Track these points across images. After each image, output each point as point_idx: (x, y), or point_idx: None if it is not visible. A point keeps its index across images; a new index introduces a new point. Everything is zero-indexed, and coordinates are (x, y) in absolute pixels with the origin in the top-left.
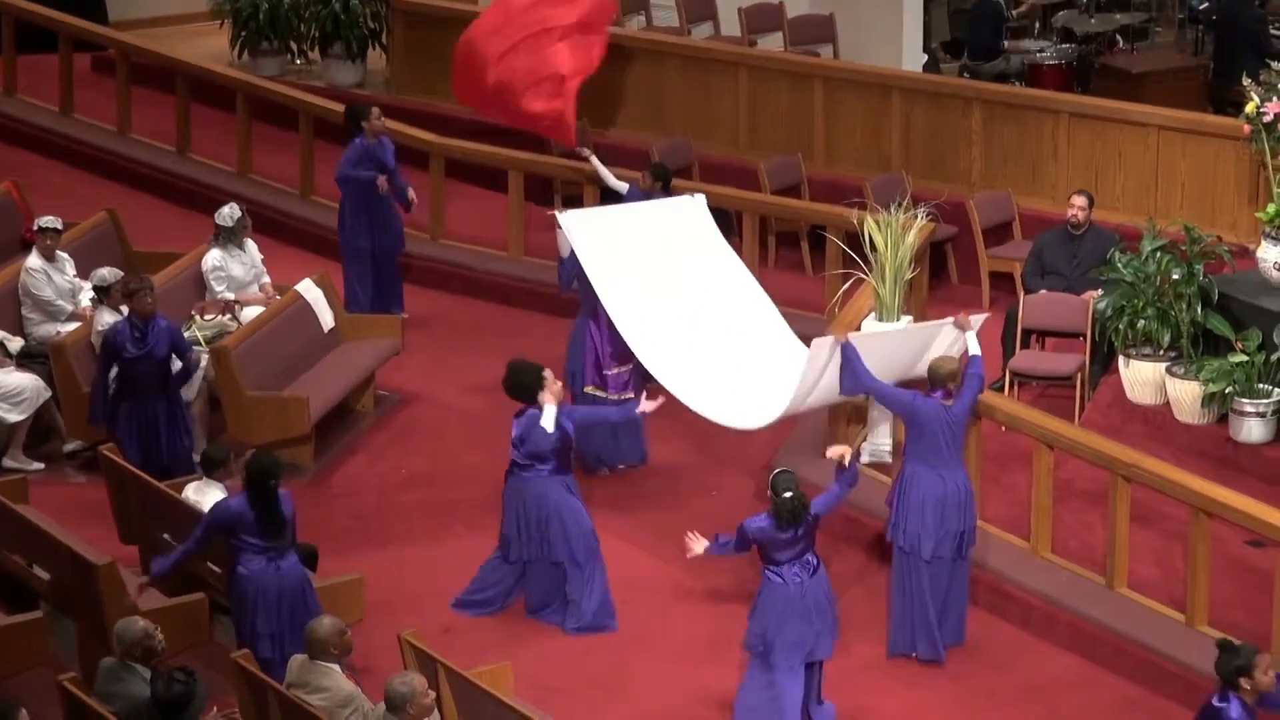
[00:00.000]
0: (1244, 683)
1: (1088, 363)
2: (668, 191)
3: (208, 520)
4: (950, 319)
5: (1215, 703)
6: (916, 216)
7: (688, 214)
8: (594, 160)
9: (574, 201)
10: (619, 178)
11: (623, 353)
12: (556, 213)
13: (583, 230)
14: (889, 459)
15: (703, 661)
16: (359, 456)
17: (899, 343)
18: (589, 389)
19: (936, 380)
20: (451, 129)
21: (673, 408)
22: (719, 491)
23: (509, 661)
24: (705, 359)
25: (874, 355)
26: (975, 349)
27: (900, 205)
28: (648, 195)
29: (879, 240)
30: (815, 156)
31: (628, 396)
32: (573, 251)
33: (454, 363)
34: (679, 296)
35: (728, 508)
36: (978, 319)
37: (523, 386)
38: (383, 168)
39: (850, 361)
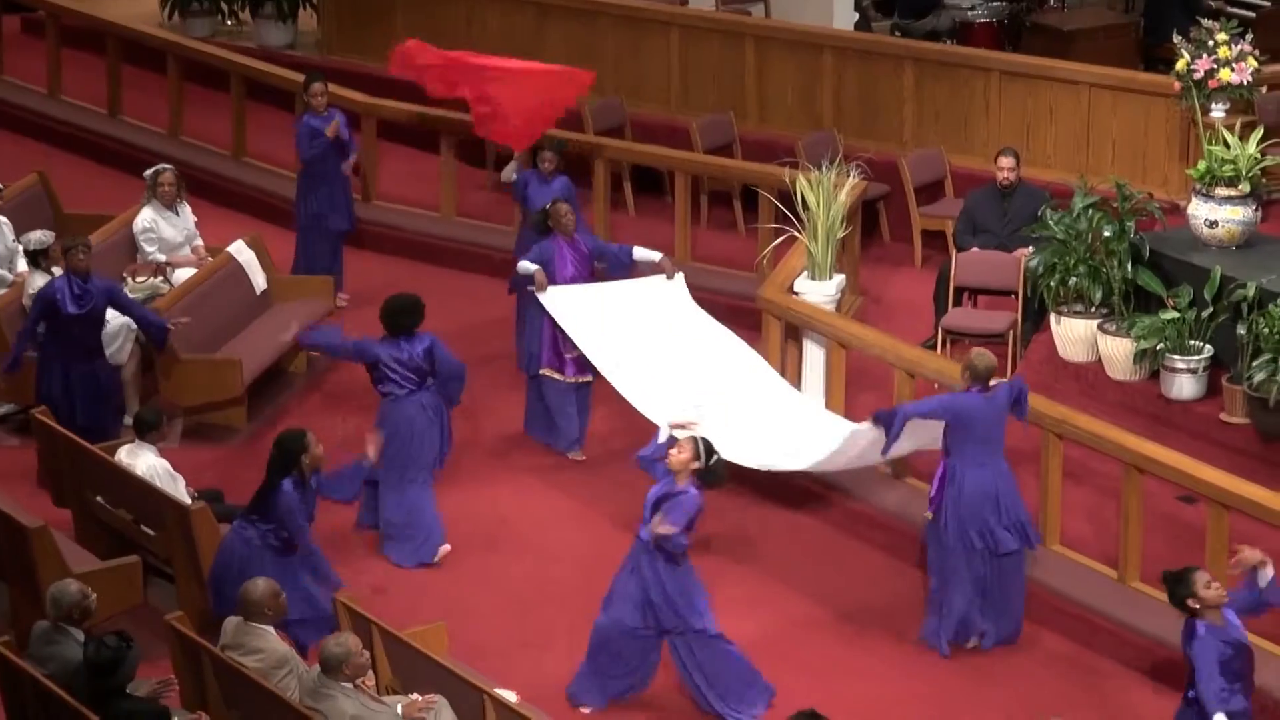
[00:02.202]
0: (1193, 604)
1: (1019, 320)
2: (571, 169)
3: (289, 506)
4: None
5: (1186, 631)
6: (848, 175)
7: (669, 291)
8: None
9: (505, 161)
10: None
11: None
12: (539, 293)
13: (566, 310)
14: None
15: None
16: (292, 418)
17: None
18: (545, 371)
19: (977, 376)
20: (383, 90)
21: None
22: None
23: (443, 621)
24: (718, 410)
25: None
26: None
27: (832, 164)
28: (544, 178)
29: (811, 199)
30: (747, 115)
31: (585, 379)
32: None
33: (363, 319)
34: (677, 360)
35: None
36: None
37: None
38: (336, 141)
39: (890, 427)
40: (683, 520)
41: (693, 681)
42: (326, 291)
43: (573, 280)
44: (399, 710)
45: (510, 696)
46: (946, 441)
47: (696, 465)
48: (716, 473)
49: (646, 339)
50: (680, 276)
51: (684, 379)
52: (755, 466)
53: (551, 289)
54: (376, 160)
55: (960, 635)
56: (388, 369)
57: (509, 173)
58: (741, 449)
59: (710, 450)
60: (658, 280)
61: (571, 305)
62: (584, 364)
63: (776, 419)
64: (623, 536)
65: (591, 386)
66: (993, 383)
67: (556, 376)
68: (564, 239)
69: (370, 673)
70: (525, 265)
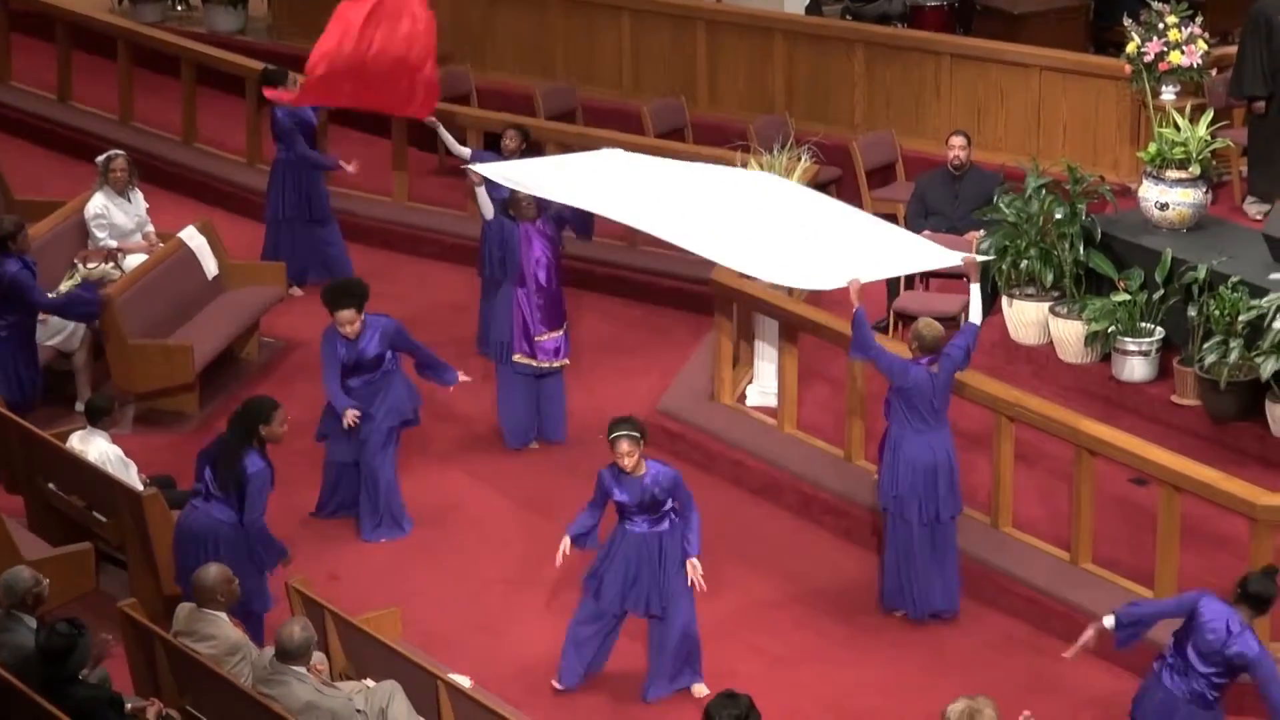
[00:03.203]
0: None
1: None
2: (533, 151)
3: (260, 486)
4: (961, 256)
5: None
6: (800, 158)
7: (618, 156)
8: (440, 129)
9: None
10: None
11: (552, 318)
12: (471, 168)
13: (508, 171)
14: (774, 401)
15: None
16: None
17: (891, 239)
18: (518, 357)
19: (926, 346)
20: None
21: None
22: (604, 437)
23: (397, 607)
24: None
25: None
26: (976, 317)
27: (784, 147)
28: (504, 158)
29: None
30: (698, 99)
31: (559, 364)
32: (496, 214)
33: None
34: (656, 187)
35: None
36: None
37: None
38: (310, 130)
39: (859, 327)
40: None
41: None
42: (278, 277)
43: (540, 259)
44: (352, 696)
45: (464, 681)
46: (888, 409)
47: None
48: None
49: (615, 180)
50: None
51: (679, 196)
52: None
53: (487, 164)
54: (328, 145)
55: (889, 603)
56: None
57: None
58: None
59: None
60: (601, 153)
61: (510, 170)
62: (556, 350)
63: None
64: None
65: (563, 373)
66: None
67: (530, 362)
68: (532, 225)
69: (324, 658)
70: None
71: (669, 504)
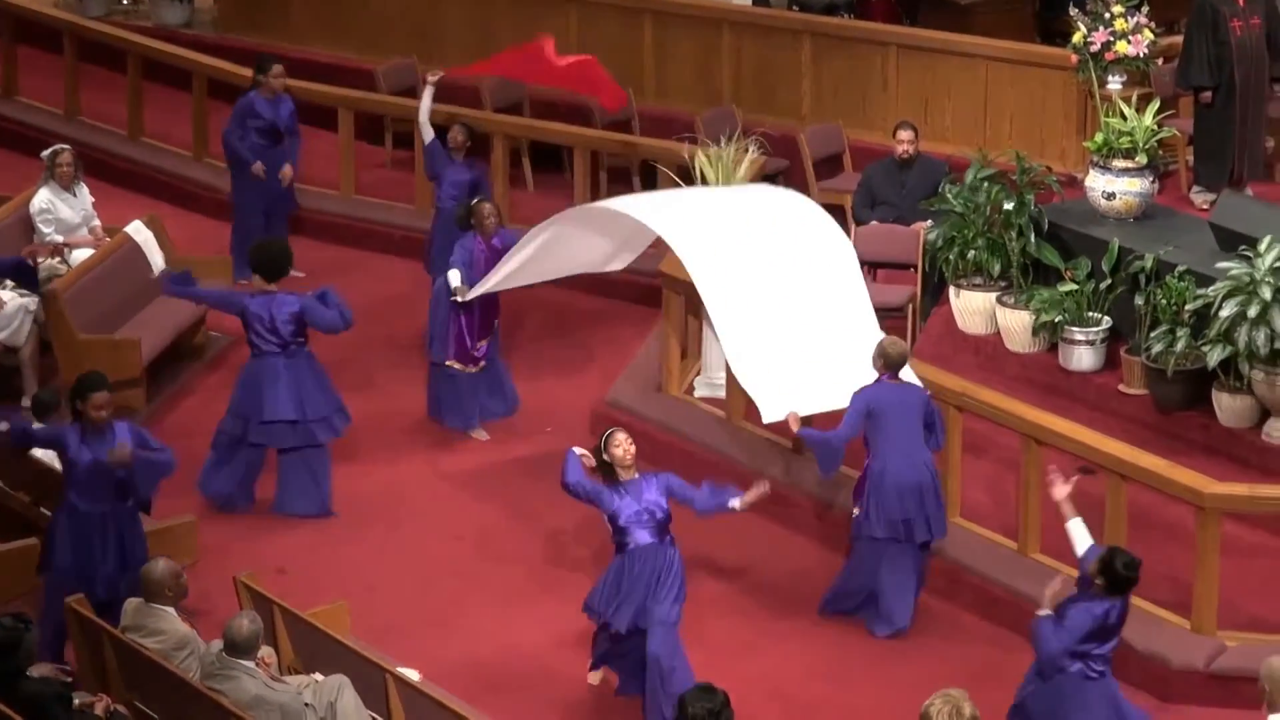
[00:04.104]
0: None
1: (919, 293)
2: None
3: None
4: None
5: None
6: (747, 150)
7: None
8: (428, 95)
9: (404, 139)
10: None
11: (485, 327)
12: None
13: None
14: (722, 393)
15: (537, 599)
16: (191, 398)
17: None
18: (451, 363)
19: (889, 363)
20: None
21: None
22: (553, 429)
23: (345, 601)
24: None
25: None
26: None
27: (731, 139)
28: (450, 153)
29: (710, 174)
30: (646, 91)
31: (478, 368)
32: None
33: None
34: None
35: (562, 445)
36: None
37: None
38: (272, 127)
39: (816, 446)
40: None
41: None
42: (224, 271)
43: (483, 276)
44: (300, 691)
45: (413, 675)
46: (867, 436)
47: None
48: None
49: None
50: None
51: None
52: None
53: (472, 291)
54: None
55: (839, 606)
56: (251, 324)
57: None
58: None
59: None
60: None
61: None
62: (484, 354)
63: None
64: (523, 514)
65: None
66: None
67: (460, 367)
68: (483, 239)
69: (272, 652)
70: (454, 275)
71: (667, 511)
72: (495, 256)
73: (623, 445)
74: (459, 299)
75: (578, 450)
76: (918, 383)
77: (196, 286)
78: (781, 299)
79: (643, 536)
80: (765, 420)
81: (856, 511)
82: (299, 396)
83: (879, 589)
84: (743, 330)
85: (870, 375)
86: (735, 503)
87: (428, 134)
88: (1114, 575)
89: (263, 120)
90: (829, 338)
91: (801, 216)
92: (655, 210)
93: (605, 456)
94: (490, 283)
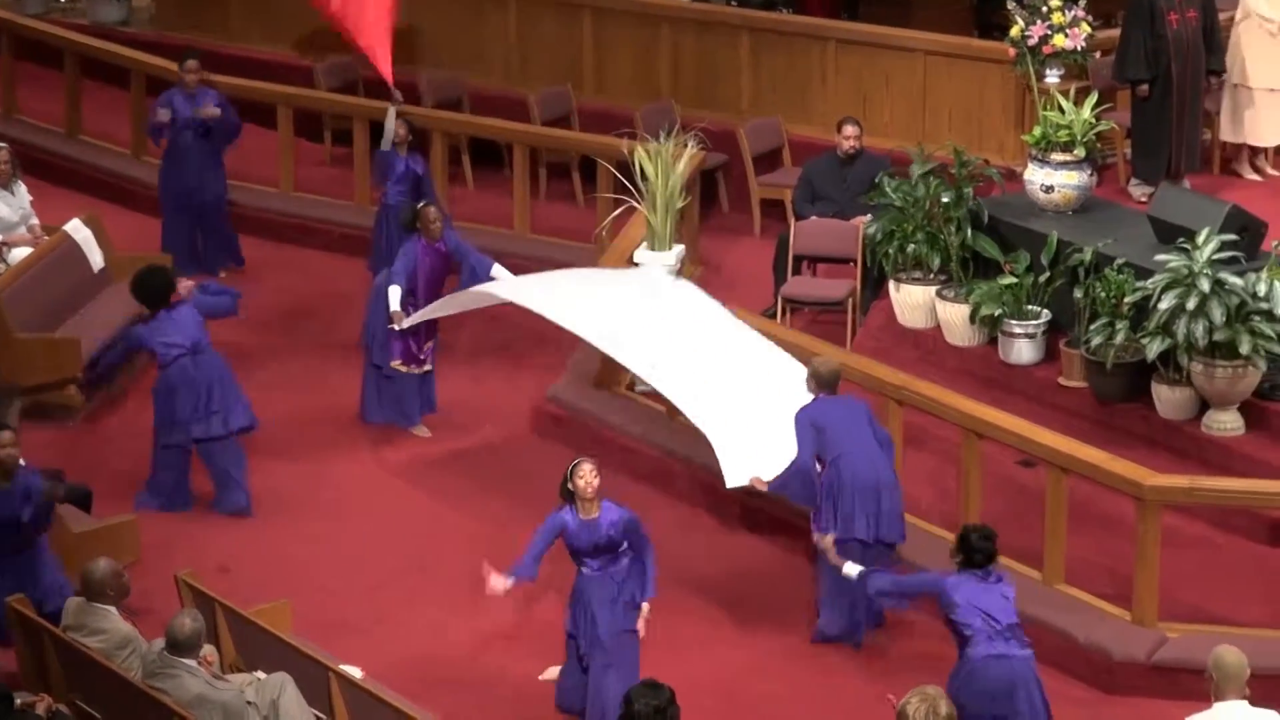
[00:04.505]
0: None
1: (859, 288)
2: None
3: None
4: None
5: None
6: (686, 145)
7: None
8: (393, 110)
9: (343, 136)
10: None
11: (430, 329)
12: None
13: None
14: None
15: (480, 596)
16: (131, 398)
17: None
18: (396, 364)
19: (822, 383)
20: (217, 65)
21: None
22: (493, 426)
23: (288, 599)
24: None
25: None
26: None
27: (670, 134)
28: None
29: (650, 169)
30: (585, 87)
31: (427, 369)
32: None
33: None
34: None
35: (503, 441)
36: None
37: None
38: (190, 122)
39: (782, 486)
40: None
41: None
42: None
43: (428, 278)
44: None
45: (355, 672)
46: (820, 453)
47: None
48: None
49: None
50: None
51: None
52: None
53: (406, 320)
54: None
55: (846, 635)
56: (155, 348)
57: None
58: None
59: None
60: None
61: (435, 308)
62: (429, 354)
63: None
64: (465, 511)
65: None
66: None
67: (405, 369)
68: (428, 243)
69: (214, 651)
70: (394, 295)
71: (624, 546)
72: (439, 260)
73: (586, 477)
74: (395, 326)
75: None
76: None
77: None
78: (713, 372)
79: (591, 565)
80: (729, 485)
81: (816, 536)
82: (208, 394)
83: (824, 593)
84: (702, 402)
85: None
86: (643, 605)
87: (386, 145)
88: (969, 547)
89: (176, 115)
90: (765, 399)
91: (676, 294)
92: (567, 307)
93: (569, 485)
94: (426, 313)
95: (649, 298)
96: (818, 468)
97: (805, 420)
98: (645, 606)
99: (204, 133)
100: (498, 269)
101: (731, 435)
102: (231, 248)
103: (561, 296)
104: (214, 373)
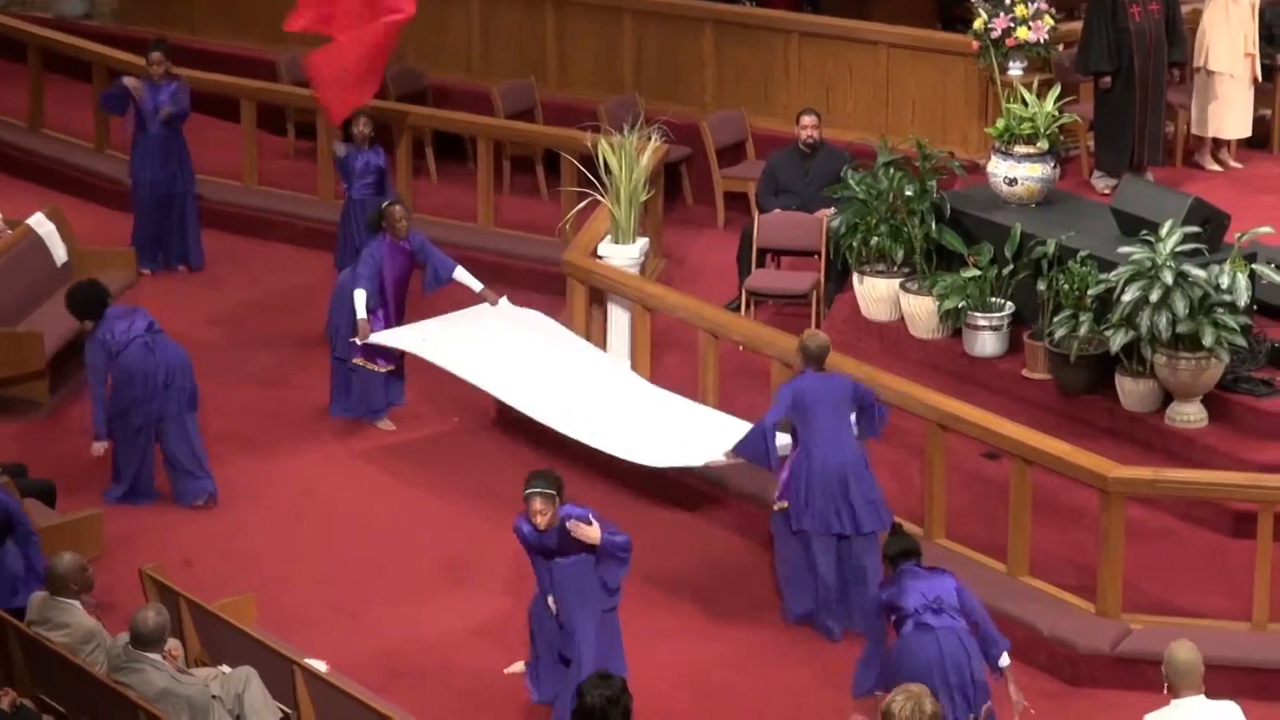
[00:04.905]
0: None
1: (823, 280)
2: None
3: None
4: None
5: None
6: (650, 138)
7: (497, 313)
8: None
9: (306, 130)
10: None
11: (395, 323)
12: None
13: (399, 340)
14: None
15: (445, 589)
16: None
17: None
18: (359, 362)
19: (809, 357)
20: (181, 58)
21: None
22: (459, 419)
23: (252, 593)
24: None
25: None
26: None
27: (634, 127)
28: (356, 144)
29: (613, 162)
30: (548, 80)
31: (388, 368)
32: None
33: (187, 294)
34: (548, 361)
35: (467, 434)
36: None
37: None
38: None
39: (752, 456)
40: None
41: None
42: (129, 263)
43: (395, 278)
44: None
45: (320, 666)
46: (794, 429)
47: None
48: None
49: (493, 348)
50: (504, 300)
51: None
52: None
53: (374, 335)
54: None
55: (814, 613)
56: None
57: (338, 149)
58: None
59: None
60: (482, 308)
61: (402, 337)
62: (391, 352)
63: (653, 417)
64: (431, 505)
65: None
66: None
67: (370, 367)
68: (392, 241)
69: (179, 645)
70: (359, 298)
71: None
72: (405, 259)
73: (535, 512)
74: (357, 340)
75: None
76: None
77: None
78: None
79: (563, 561)
80: (699, 464)
81: (779, 506)
82: (167, 374)
83: (787, 574)
84: (625, 432)
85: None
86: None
87: (340, 152)
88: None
89: (142, 104)
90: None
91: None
92: (476, 365)
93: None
94: (394, 339)
95: (549, 346)
96: (783, 440)
97: (787, 391)
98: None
99: (170, 126)
100: (460, 272)
101: (670, 443)
102: (191, 248)
103: (470, 352)
104: (172, 356)
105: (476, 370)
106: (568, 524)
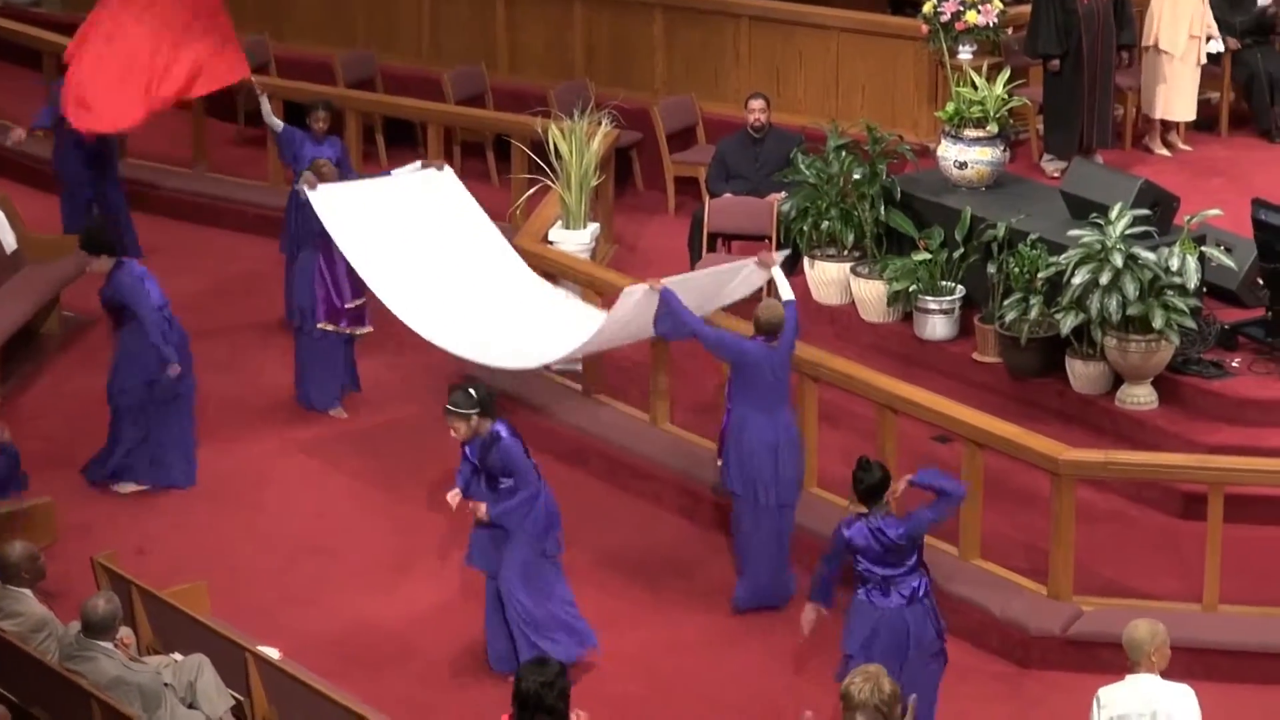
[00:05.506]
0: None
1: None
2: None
3: None
4: (753, 258)
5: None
6: (600, 123)
7: (439, 184)
8: (265, 101)
9: (256, 117)
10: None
11: (356, 286)
12: (305, 186)
13: (332, 209)
14: (579, 367)
15: (397, 575)
16: (46, 379)
17: (705, 283)
18: (323, 325)
19: (763, 328)
20: None
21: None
22: (411, 405)
23: (205, 581)
24: (481, 317)
25: (683, 297)
26: (787, 294)
27: (584, 113)
28: (317, 139)
29: (564, 148)
30: (499, 66)
31: (364, 330)
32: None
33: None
34: (443, 263)
35: (420, 421)
36: (780, 255)
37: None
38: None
39: (671, 306)
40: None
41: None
42: (74, 250)
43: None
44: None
45: (273, 653)
46: (731, 389)
47: (475, 418)
48: (491, 395)
49: (417, 247)
50: (449, 169)
51: (452, 286)
52: (539, 364)
53: (321, 187)
54: None
55: (762, 597)
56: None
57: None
58: (522, 352)
59: (477, 392)
60: (428, 174)
61: (340, 208)
62: (359, 316)
63: (544, 315)
64: (384, 492)
65: (355, 342)
66: None
67: (334, 329)
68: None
69: (131, 633)
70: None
71: (507, 481)
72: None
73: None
74: (307, 188)
75: None
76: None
77: None
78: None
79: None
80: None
81: (720, 463)
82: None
83: (744, 556)
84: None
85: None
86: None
87: (277, 126)
88: (854, 480)
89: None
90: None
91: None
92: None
93: None
94: (328, 202)
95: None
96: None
97: (735, 341)
98: (468, 504)
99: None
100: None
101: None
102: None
103: (379, 253)
104: (181, 340)
105: (380, 277)
106: (469, 506)
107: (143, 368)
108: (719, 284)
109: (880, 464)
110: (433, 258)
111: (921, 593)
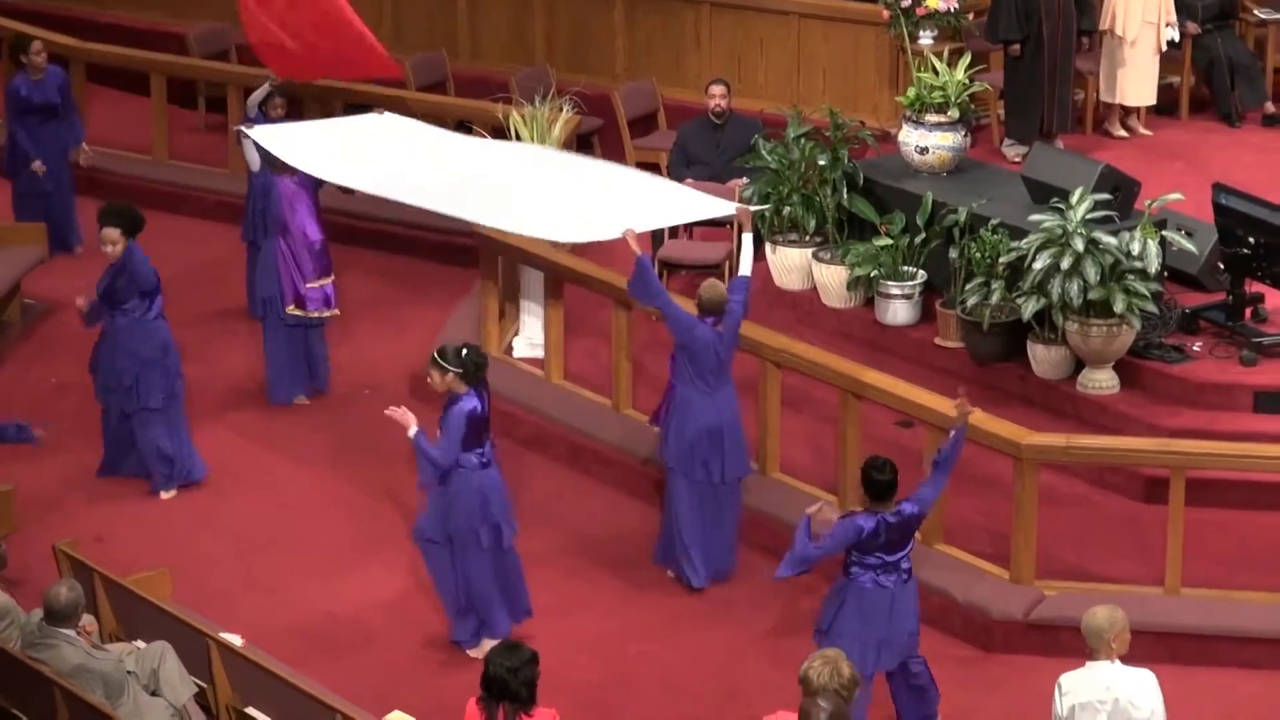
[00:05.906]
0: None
1: (735, 250)
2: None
3: None
4: (735, 207)
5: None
6: (561, 109)
7: (385, 120)
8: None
9: (218, 104)
10: None
11: (320, 267)
12: (241, 127)
13: (276, 137)
14: (542, 353)
15: (360, 563)
16: (7, 367)
17: (681, 194)
18: (290, 309)
19: (705, 307)
20: (91, 33)
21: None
22: (371, 391)
23: (166, 568)
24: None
25: (655, 198)
26: (746, 269)
27: (545, 99)
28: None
29: (525, 134)
30: (460, 52)
31: (330, 313)
32: (261, 165)
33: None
34: (429, 155)
35: (381, 407)
36: (757, 208)
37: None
38: (45, 106)
39: (644, 272)
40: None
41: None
42: (39, 238)
43: (305, 210)
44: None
45: (235, 640)
46: (675, 365)
47: (452, 375)
48: (477, 365)
49: (388, 150)
50: (389, 113)
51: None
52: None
53: (259, 127)
54: (86, 104)
55: (663, 560)
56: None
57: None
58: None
59: (467, 354)
60: (368, 115)
61: (286, 138)
62: (326, 299)
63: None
64: (346, 479)
65: (325, 325)
66: None
67: (301, 313)
68: (292, 180)
69: (93, 620)
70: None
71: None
72: (305, 190)
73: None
74: (245, 130)
75: None
76: None
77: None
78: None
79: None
80: (601, 238)
81: (655, 428)
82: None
83: (690, 536)
84: (531, 213)
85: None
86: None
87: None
88: (867, 480)
89: (31, 102)
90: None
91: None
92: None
93: None
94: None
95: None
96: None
97: (687, 317)
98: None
99: (53, 115)
100: None
101: (585, 212)
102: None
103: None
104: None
105: (356, 175)
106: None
107: (134, 355)
108: (694, 199)
109: (891, 462)
110: (412, 153)
111: (909, 568)
